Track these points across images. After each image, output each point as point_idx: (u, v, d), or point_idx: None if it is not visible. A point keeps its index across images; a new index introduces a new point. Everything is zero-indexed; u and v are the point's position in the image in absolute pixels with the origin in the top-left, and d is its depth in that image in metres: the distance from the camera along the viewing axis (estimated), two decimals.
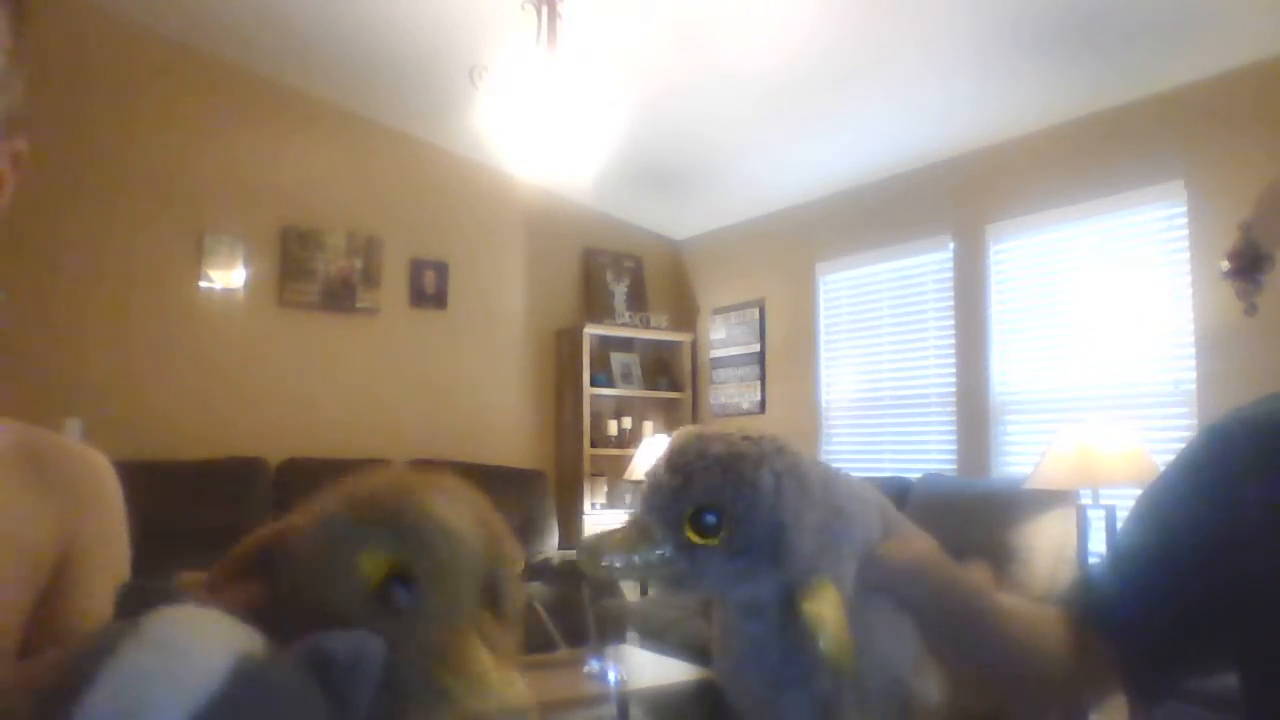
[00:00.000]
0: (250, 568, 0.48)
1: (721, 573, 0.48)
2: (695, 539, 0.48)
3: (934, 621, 0.55)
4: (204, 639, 0.39)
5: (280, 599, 0.45)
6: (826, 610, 0.47)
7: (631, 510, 0.50)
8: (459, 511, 0.46)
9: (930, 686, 0.53)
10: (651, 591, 5.07)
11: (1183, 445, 0.79)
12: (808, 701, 0.50)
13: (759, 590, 0.49)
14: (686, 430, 0.51)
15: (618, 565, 0.48)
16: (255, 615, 0.44)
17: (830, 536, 0.50)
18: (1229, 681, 0.73)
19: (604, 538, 0.49)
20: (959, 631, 0.57)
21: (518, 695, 0.43)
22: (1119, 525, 0.81)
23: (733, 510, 0.47)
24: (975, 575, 0.62)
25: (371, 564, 0.43)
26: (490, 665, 0.43)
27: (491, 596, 0.47)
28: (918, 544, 0.58)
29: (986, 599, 0.63)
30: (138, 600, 0.42)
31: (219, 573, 0.49)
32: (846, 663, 0.47)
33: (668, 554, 0.48)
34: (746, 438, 0.49)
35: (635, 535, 0.49)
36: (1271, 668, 0.71)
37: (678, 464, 0.49)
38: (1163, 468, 0.79)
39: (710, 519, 0.47)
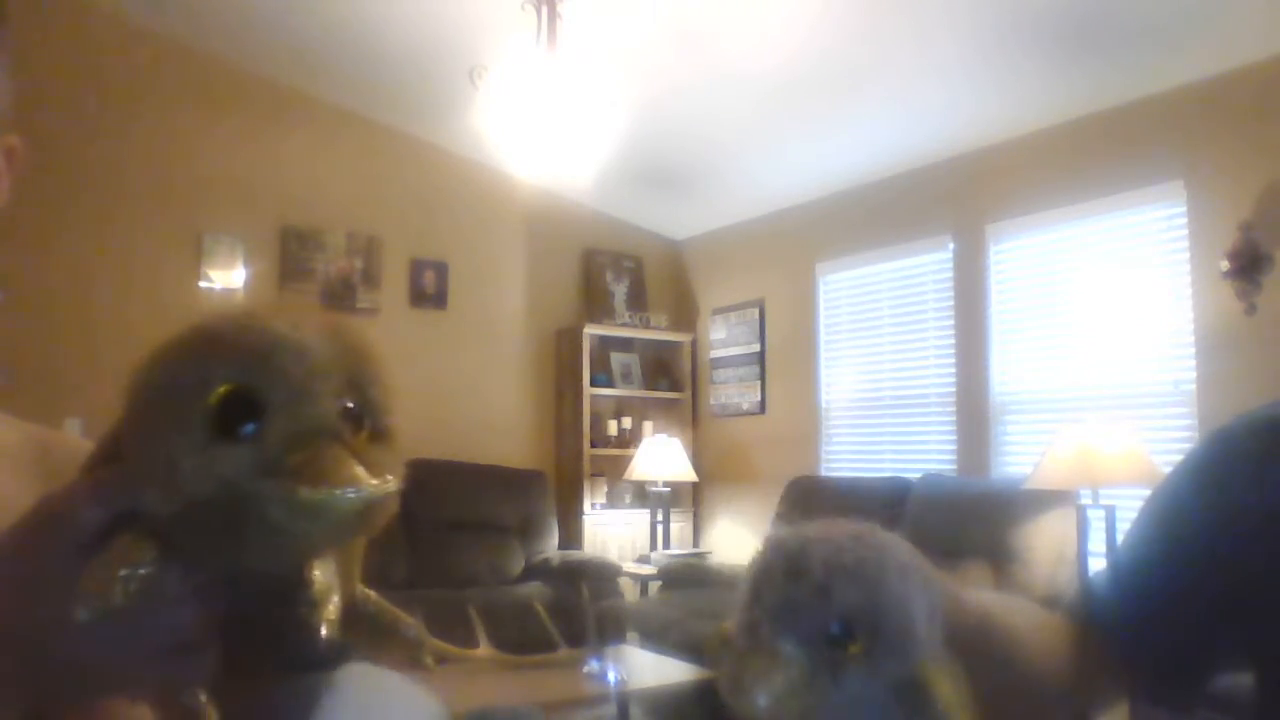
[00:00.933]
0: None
1: (863, 683, 0.47)
2: (833, 653, 0.47)
3: (960, 648, 0.55)
4: (400, 702, 0.39)
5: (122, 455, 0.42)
6: (951, 690, 0.47)
7: (748, 633, 0.48)
8: (295, 325, 0.42)
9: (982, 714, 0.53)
10: (652, 592, 5.07)
11: (1186, 449, 0.79)
12: None
13: (879, 686, 0.49)
14: (791, 538, 0.49)
15: (771, 702, 0.46)
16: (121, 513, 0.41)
17: (931, 617, 0.50)
18: (1242, 683, 0.73)
19: (745, 671, 0.47)
20: (974, 653, 0.58)
21: (383, 489, 0.40)
22: (1121, 529, 0.82)
23: (869, 619, 0.47)
24: (984, 593, 0.62)
25: (207, 394, 0.40)
26: (355, 470, 0.40)
27: (359, 414, 0.44)
28: (950, 584, 0.58)
29: (1000, 618, 0.63)
30: (297, 657, 0.41)
31: (90, 461, 0.46)
32: (969, 714, 0.47)
33: (808, 675, 0.46)
34: (855, 537, 0.49)
35: (774, 662, 0.47)
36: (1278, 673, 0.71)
37: (809, 576, 0.47)
38: (1167, 473, 0.79)
39: (837, 629, 0.46)
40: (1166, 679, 0.74)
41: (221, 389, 0.40)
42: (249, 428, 0.40)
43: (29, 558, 0.42)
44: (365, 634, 0.50)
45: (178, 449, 0.39)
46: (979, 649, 0.59)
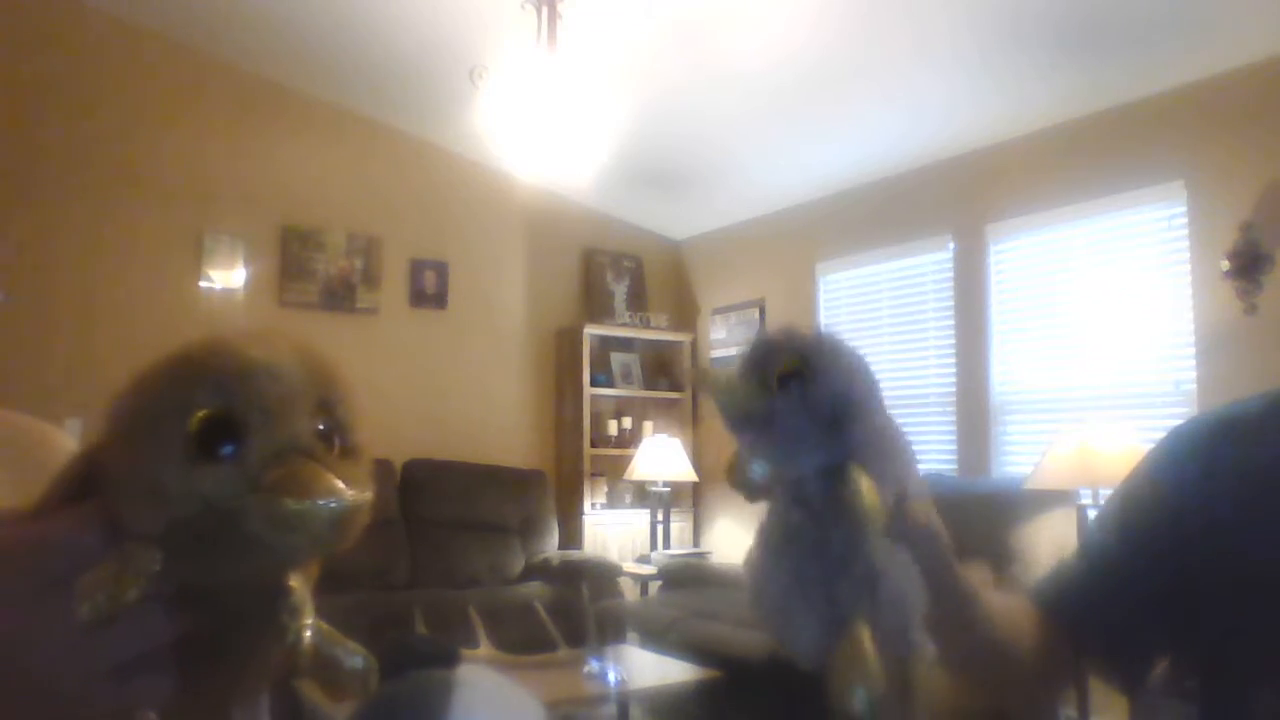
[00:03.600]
0: (79, 488, 0.45)
1: (789, 421, 0.55)
2: (778, 391, 0.56)
3: (932, 591, 0.57)
4: (518, 699, 0.40)
5: (103, 490, 0.43)
6: (869, 485, 0.53)
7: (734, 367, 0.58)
8: (270, 348, 0.44)
9: (929, 642, 0.56)
10: (653, 591, 5.07)
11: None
12: (820, 608, 0.55)
13: (811, 464, 0.56)
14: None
15: (716, 389, 0.57)
16: (90, 531, 0.42)
17: (879, 449, 0.56)
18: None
19: (712, 370, 0.59)
20: (946, 609, 0.60)
21: (360, 499, 0.43)
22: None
23: (816, 364, 0.55)
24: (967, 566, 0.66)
25: (187, 417, 0.42)
26: (336, 484, 0.42)
27: (328, 431, 0.46)
28: (935, 514, 0.62)
29: (974, 584, 0.66)
30: (414, 655, 0.42)
31: (46, 497, 0.46)
32: (879, 523, 0.53)
33: (753, 393, 0.56)
34: (836, 333, 0.59)
35: (731, 376, 0.57)
36: (1214, 655, 0.73)
37: (778, 332, 0.58)
38: (1134, 464, 0.83)
39: (793, 383, 0.55)
40: (1109, 660, 0.78)
41: (202, 412, 0.42)
42: (227, 449, 0.42)
43: (8, 581, 0.42)
44: (309, 663, 0.49)
45: (162, 471, 0.41)
46: (959, 611, 0.62)
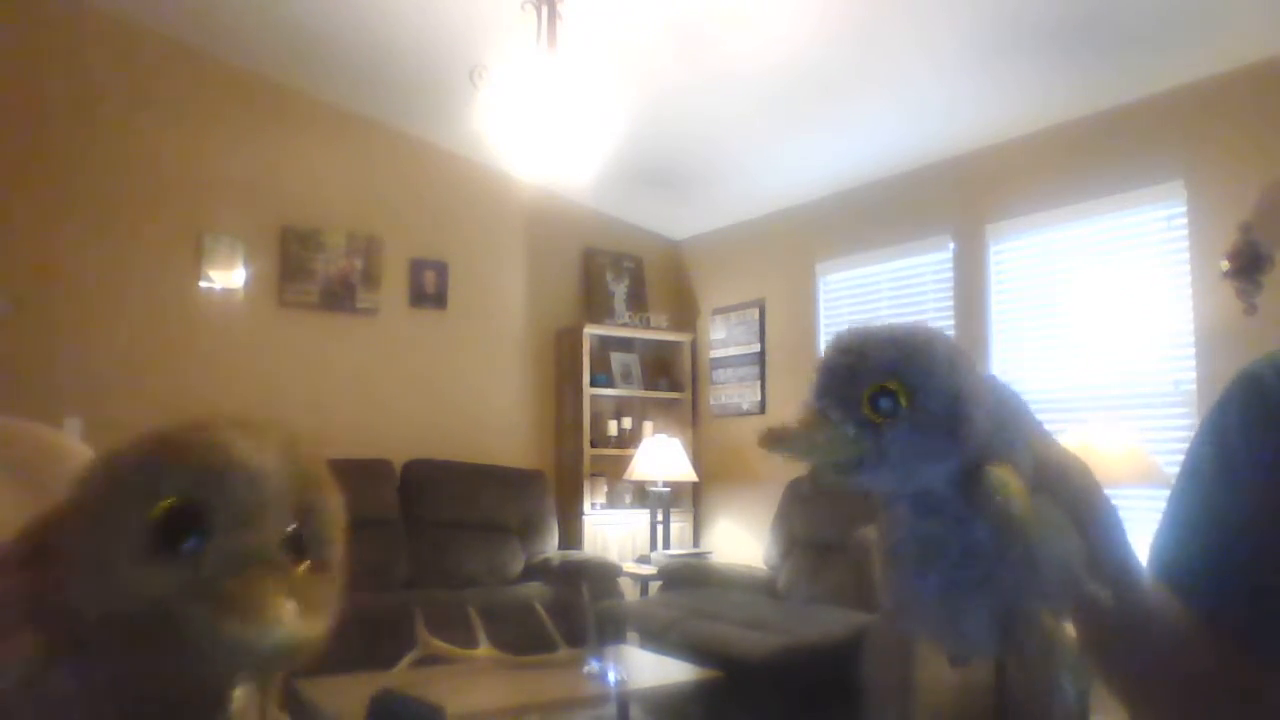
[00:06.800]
0: (37, 553, 0.43)
1: (903, 448, 0.47)
2: (875, 419, 0.48)
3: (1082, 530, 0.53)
4: None
5: (57, 565, 0.41)
6: (1009, 477, 0.47)
7: (805, 402, 0.50)
8: (256, 446, 0.42)
9: (1101, 585, 0.51)
10: (654, 592, 5.07)
11: (1186, 449, 0.77)
12: (986, 604, 0.49)
13: (937, 476, 0.49)
14: (849, 327, 0.52)
15: (803, 447, 0.48)
16: (36, 602, 0.40)
17: (1000, 422, 0.50)
18: None
19: (786, 426, 0.49)
20: (1098, 551, 0.54)
21: (309, 632, 0.40)
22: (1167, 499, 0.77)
23: (910, 381, 0.47)
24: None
25: (152, 504, 0.39)
26: (284, 610, 0.39)
27: (303, 540, 0.43)
28: (1075, 455, 0.56)
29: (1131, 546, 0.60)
30: (392, 710, 0.40)
31: (17, 545, 0.44)
32: (1030, 527, 0.47)
33: (851, 434, 0.48)
34: (912, 325, 0.50)
35: (815, 421, 0.48)
36: None
37: (850, 345, 0.49)
38: (1201, 424, 0.76)
39: (886, 402, 0.47)
40: (1261, 628, 0.66)
41: (167, 502, 0.40)
42: (191, 542, 0.39)
43: None
44: None
45: (115, 558, 0.39)
46: (1119, 566, 0.56)
